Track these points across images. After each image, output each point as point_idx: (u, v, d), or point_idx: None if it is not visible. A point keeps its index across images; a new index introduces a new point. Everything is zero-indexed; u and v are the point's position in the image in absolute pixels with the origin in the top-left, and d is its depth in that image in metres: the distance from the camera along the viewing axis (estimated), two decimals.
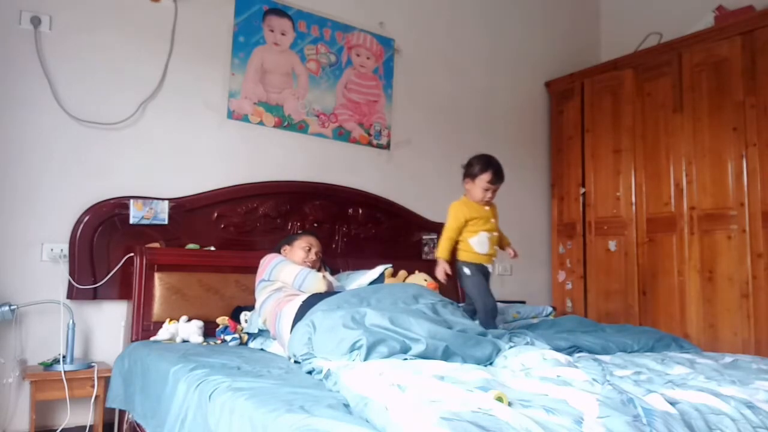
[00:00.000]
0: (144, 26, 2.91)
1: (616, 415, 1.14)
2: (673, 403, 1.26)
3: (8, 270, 2.55)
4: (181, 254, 2.79)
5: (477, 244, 2.54)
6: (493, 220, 2.59)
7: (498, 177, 2.53)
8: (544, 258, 4.32)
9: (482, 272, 2.56)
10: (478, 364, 1.69)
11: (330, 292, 2.35)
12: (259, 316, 2.42)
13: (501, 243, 2.70)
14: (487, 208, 2.58)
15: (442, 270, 2.51)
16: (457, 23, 4.02)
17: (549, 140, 4.41)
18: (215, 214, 3.01)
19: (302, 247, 2.69)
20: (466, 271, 2.53)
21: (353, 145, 3.53)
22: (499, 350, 1.77)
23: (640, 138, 3.79)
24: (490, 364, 1.73)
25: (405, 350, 1.69)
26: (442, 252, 2.55)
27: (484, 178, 2.52)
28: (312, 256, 2.69)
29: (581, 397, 1.22)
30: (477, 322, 2.26)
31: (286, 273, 2.49)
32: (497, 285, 3.93)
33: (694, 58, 3.54)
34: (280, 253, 2.68)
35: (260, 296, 2.46)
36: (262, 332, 2.46)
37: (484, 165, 2.53)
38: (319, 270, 2.66)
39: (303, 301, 2.20)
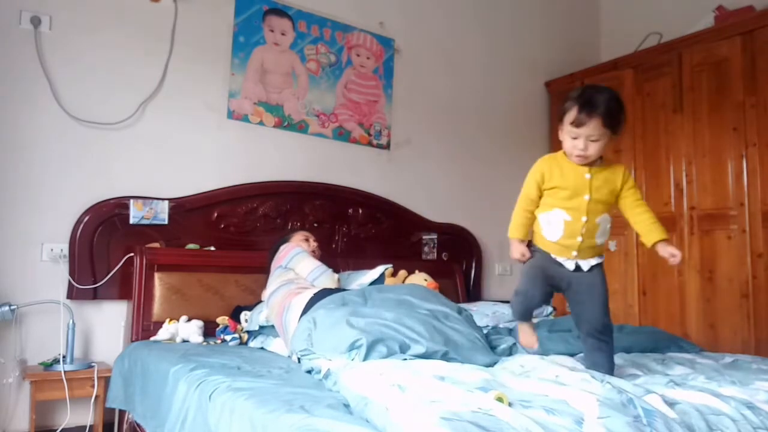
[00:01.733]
0: (144, 26, 2.91)
1: (617, 415, 1.14)
2: (673, 404, 1.26)
3: (8, 270, 2.55)
4: (181, 254, 2.79)
5: (546, 224, 1.64)
6: (587, 197, 1.59)
7: (588, 111, 1.53)
8: None
9: (549, 265, 1.67)
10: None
11: (339, 290, 2.35)
12: (267, 305, 2.42)
13: (643, 235, 1.66)
14: (587, 174, 1.60)
15: (515, 252, 1.68)
16: (457, 23, 4.02)
17: (549, 140, 4.40)
18: (215, 214, 3.01)
19: (301, 240, 2.74)
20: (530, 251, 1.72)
21: (353, 145, 3.52)
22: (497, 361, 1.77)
23: (640, 138, 3.79)
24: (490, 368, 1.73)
25: (404, 350, 1.69)
26: (511, 229, 1.69)
27: (568, 118, 1.59)
28: (313, 244, 2.78)
29: (581, 398, 1.22)
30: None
31: (303, 265, 2.52)
32: (496, 285, 3.95)
33: (694, 58, 3.54)
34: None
35: (272, 284, 2.48)
36: (262, 331, 2.46)
37: (575, 95, 1.59)
38: None
39: (313, 295, 2.21)
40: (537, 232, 1.69)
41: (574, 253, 1.62)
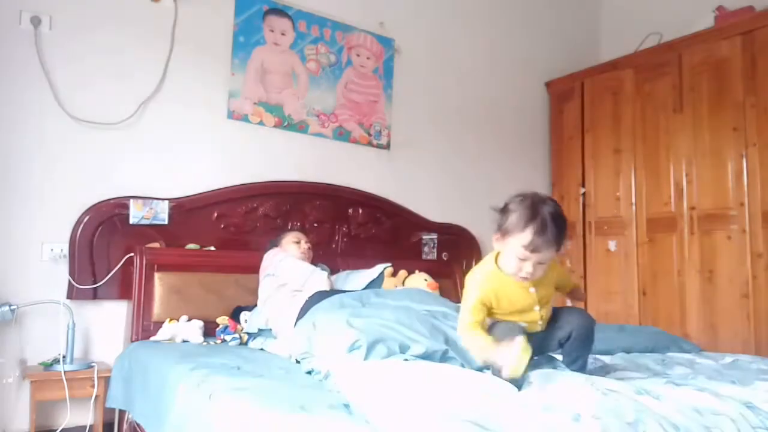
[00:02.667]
0: (144, 26, 2.91)
1: (614, 414, 1.14)
2: (672, 404, 1.26)
3: (8, 270, 2.55)
4: (181, 254, 2.79)
5: (500, 330, 1.52)
6: (537, 308, 1.54)
7: (546, 238, 1.43)
8: None
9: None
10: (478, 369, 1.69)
11: (333, 291, 2.35)
12: (261, 312, 2.42)
13: (561, 290, 1.74)
14: (532, 288, 1.51)
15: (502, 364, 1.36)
16: (457, 23, 4.02)
17: (549, 140, 4.40)
18: (215, 214, 3.01)
19: (292, 242, 2.74)
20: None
21: (353, 145, 3.52)
22: None
23: (640, 138, 3.79)
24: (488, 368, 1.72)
25: (404, 350, 1.69)
26: (482, 352, 1.47)
27: (519, 240, 1.44)
28: (304, 246, 2.76)
29: (579, 396, 1.22)
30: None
31: (291, 270, 2.52)
32: None
33: (694, 58, 3.54)
34: None
35: (264, 291, 2.48)
36: (262, 332, 2.46)
37: (526, 215, 1.44)
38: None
39: (308, 298, 2.21)
40: None
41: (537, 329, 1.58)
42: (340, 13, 3.51)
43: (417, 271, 3.11)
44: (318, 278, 2.46)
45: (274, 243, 2.77)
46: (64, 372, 2.38)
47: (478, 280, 1.52)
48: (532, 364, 1.50)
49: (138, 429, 2.24)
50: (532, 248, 1.43)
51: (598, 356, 2.02)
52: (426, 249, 3.68)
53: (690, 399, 1.31)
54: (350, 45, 3.55)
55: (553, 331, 1.58)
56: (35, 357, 2.55)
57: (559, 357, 1.67)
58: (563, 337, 1.57)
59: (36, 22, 2.64)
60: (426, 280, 2.99)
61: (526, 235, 1.43)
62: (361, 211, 3.46)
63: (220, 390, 1.55)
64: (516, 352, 1.29)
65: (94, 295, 2.69)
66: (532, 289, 1.49)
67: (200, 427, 1.56)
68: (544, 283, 1.55)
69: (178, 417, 1.70)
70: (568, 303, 1.73)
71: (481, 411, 1.14)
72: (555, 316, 1.60)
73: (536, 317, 1.54)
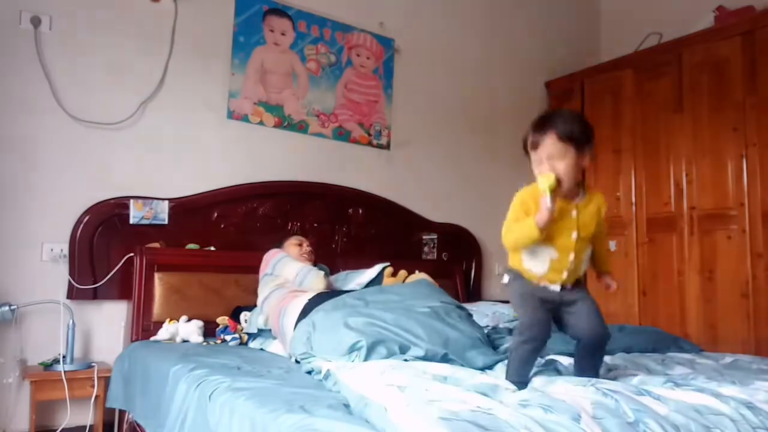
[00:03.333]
0: (144, 26, 2.91)
1: (614, 414, 1.14)
2: (672, 404, 1.26)
3: (8, 270, 2.55)
4: (181, 254, 2.79)
5: (529, 256, 1.52)
6: (575, 235, 1.48)
7: (541, 129, 1.49)
8: None
9: (535, 290, 1.53)
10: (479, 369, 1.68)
11: (335, 292, 2.35)
12: (261, 311, 2.43)
13: (598, 265, 1.67)
14: (574, 212, 1.48)
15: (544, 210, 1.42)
16: (457, 23, 4.02)
17: None
18: (215, 214, 3.01)
19: (294, 244, 2.78)
20: (506, 277, 1.59)
21: (353, 145, 3.52)
22: (499, 360, 1.76)
23: (640, 138, 3.79)
24: (490, 368, 1.72)
25: (404, 352, 1.69)
26: (532, 234, 1.45)
27: (528, 148, 1.55)
28: (306, 248, 2.78)
29: (579, 397, 1.22)
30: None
31: (288, 269, 2.53)
32: (496, 285, 3.95)
33: (694, 58, 3.54)
34: None
35: (263, 291, 2.48)
36: (262, 332, 2.46)
37: (535, 122, 1.53)
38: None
39: (308, 300, 2.21)
40: (517, 259, 1.55)
41: (559, 283, 1.53)
42: (340, 13, 3.51)
43: (417, 272, 3.10)
44: (314, 277, 2.47)
45: (277, 247, 2.78)
46: (64, 372, 2.38)
47: (522, 190, 1.57)
48: (535, 372, 1.53)
49: (138, 429, 2.24)
50: (534, 144, 1.50)
51: None
52: (426, 249, 3.68)
53: (690, 399, 1.31)
54: (350, 45, 3.55)
55: (566, 320, 1.55)
56: (35, 357, 2.55)
57: (564, 360, 1.67)
58: (572, 336, 1.55)
59: (36, 22, 2.64)
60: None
61: (529, 137, 1.53)
62: (361, 211, 3.46)
63: (220, 390, 1.55)
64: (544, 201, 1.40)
65: (94, 295, 2.69)
66: (574, 213, 1.48)
67: (200, 426, 1.56)
68: (589, 215, 1.52)
69: (178, 417, 1.70)
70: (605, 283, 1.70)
71: (481, 411, 1.14)
72: (577, 310, 1.55)
73: (571, 246, 1.48)
